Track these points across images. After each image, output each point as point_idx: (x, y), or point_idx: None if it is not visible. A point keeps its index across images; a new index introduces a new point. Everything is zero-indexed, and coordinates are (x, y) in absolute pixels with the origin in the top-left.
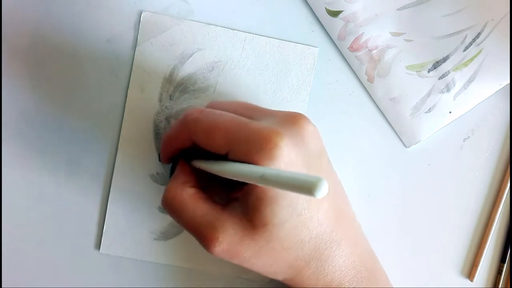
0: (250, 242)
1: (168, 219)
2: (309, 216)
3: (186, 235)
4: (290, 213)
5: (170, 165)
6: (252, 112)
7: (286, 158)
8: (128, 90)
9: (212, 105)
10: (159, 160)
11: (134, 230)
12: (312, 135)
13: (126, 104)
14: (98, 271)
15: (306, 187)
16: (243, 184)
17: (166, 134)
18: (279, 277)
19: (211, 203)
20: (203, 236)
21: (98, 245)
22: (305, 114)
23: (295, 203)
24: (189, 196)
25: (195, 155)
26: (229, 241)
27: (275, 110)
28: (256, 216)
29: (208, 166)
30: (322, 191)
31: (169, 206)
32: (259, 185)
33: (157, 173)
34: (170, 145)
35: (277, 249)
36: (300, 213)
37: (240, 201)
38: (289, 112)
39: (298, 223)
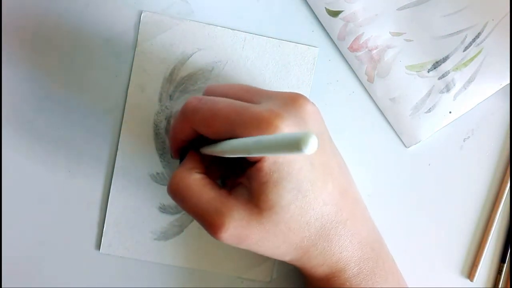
0: (257, 226)
1: (168, 219)
2: (313, 197)
3: (186, 235)
4: (295, 195)
5: (173, 166)
6: (252, 95)
7: None
8: (128, 90)
9: (211, 89)
10: (172, 157)
11: (134, 230)
12: (313, 115)
13: (126, 104)
14: (98, 271)
15: (294, 144)
16: (247, 168)
17: (171, 126)
18: (286, 258)
19: (218, 189)
20: (210, 223)
21: (98, 245)
22: (305, 95)
23: (300, 185)
24: (195, 181)
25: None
26: (236, 226)
27: (275, 92)
28: (262, 199)
29: (210, 150)
30: (311, 146)
31: (174, 191)
32: (255, 155)
33: (157, 173)
34: (175, 137)
35: (284, 231)
36: (305, 194)
37: (245, 186)
38: (289, 93)
39: (303, 205)
